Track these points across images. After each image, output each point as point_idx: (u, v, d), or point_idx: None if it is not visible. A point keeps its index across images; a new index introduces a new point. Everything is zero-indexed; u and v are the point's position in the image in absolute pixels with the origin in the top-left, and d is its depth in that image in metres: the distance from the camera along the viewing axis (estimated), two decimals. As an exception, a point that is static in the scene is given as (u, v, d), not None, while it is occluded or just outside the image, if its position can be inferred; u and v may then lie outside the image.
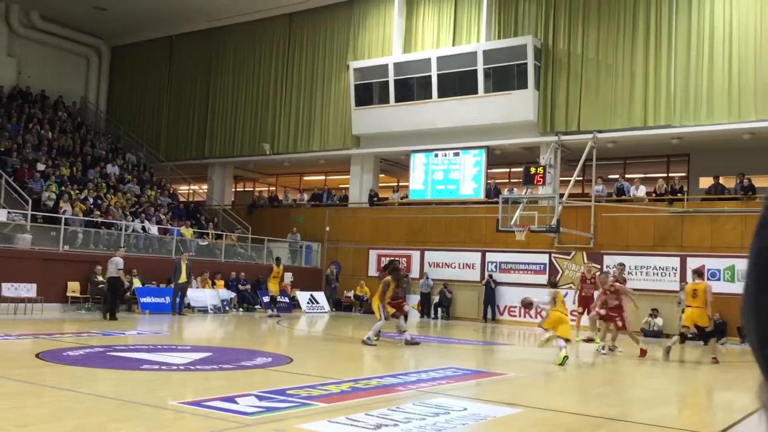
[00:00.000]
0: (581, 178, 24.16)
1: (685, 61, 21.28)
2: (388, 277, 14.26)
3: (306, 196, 30.12)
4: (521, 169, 22.27)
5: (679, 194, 21.84)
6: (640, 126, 21.91)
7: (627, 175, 24.66)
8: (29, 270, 18.05)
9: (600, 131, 22.26)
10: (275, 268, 21.28)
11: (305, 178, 34.07)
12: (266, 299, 21.92)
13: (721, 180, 21.72)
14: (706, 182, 23.01)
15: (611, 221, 22.06)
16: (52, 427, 5.78)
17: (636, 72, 22.01)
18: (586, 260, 21.83)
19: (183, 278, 19.53)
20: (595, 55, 22.75)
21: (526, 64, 23.13)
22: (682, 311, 19.88)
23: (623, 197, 22.61)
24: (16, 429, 5.65)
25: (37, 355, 10.05)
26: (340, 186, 30.92)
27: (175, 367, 9.57)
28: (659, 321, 20.35)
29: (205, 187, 32.69)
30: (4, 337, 12.62)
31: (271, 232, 27.12)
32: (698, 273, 14.52)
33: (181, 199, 31.48)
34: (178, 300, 19.73)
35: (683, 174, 24.49)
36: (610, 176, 25.02)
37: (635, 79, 22.02)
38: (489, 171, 25.16)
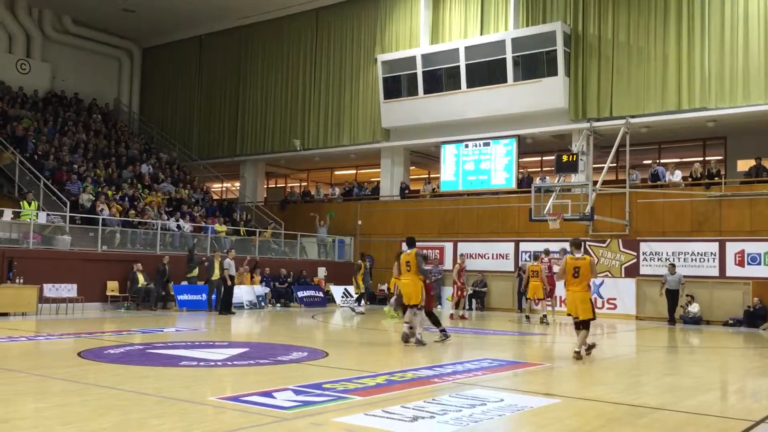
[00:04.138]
0: (615, 165, 23.83)
1: (719, 42, 20.81)
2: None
3: (337, 191, 30.21)
4: (553, 157, 22.05)
5: (716, 178, 21.41)
6: (674, 110, 21.52)
7: (662, 160, 24.26)
8: (69, 270, 18.46)
9: (633, 116, 21.92)
10: (362, 264, 21.73)
11: (336, 172, 34.17)
12: (355, 295, 22.20)
13: (763, 162, 21.19)
14: (743, 165, 22.52)
15: (647, 207, 21.73)
16: (95, 424, 5.90)
17: (669, 54, 21.60)
18: (621, 248, 21.57)
19: (216, 275, 19.77)
20: (626, 39, 22.38)
21: (555, 50, 22.87)
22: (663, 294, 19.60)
23: (658, 183, 22.24)
24: (61, 427, 5.79)
25: (79, 354, 10.27)
26: (371, 179, 30.95)
27: (213, 363, 9.70)
28: (694, 308, 19.98)
29: (237, 184, 32.99)
30: (47, 337, 12.93)
31: (303, 227, 27.28)
32: (576, 244, 11.54)
33: (214, 196, 31.82)
34: (213, 297, 20.01)
35: (720, 157, 24.00)
36: (645, 162, 24.63)
37: (668, 61, 21.60)
38: (520, 160, 24.97)
